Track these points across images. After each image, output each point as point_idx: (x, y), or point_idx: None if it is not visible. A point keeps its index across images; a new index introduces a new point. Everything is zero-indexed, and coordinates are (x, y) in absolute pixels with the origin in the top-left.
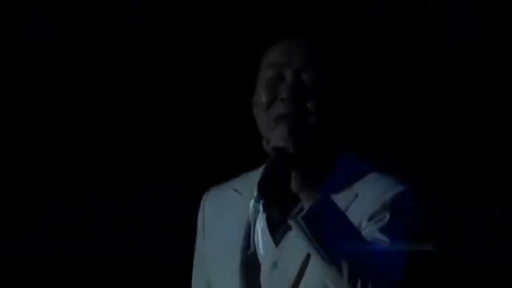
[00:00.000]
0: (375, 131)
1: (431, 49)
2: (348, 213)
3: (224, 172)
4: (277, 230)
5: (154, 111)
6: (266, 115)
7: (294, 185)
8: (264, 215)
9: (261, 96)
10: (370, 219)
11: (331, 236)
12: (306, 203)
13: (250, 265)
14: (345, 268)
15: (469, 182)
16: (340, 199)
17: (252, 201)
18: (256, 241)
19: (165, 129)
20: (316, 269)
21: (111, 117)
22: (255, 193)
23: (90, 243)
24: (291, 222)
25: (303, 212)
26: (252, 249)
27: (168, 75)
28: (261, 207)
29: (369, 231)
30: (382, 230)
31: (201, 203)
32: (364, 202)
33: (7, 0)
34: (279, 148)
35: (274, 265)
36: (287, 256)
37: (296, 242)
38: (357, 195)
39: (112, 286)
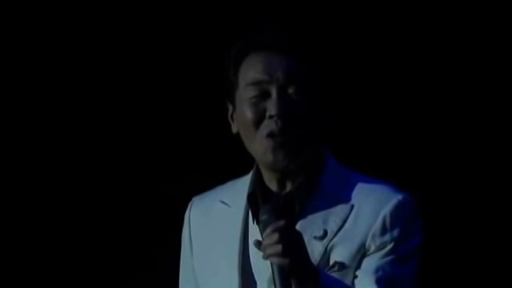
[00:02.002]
0: (374, 132)
1: (431, 49)
2: (348, 227)
3: (223, 173)
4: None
5: (154, 112)
6: (254, 134)
7: (293, 285)
8: (257, 228)
9: (246, 114)
10: (373, 237)
11: None
12: None
13: (248, 282)
14: None
15: (468, 184)
16: (335, 211)
17: (242, 213)
18: (250, 255)
19: (165, 129)
20: None
21: (111, 118)
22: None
23: (90, 243)
24: None
25: None
26: (248, 264)
27: (168, 75)
28: (250, 220)
29: (378, 265)
30: (391, 263)
31: (186, 214)
32: (362, 214)
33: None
34: (275, 263)
35: (271, 281)
36: None
37: None
38: (352, 207)
39: (112, 286)
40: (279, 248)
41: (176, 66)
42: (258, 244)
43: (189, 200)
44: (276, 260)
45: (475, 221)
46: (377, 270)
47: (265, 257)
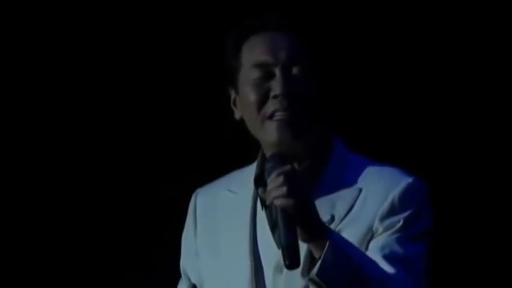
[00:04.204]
0: (373, 130)
1: (431, 49)
2: (355, 211)
3: (223, 173)
4: (276, 228)
5: (154, 112)
6: (258, 115)
7: (300, 237)
8: (263, 213)
9: (249, 95)
10: (381, 219)
11: (349, 282)
12: (315, 253)
13: (257, 268)
14: None
15: (467, 184)
16: (343, 195)
17: (250, 200)
18: (258, 242)
19: (165, 129)
20: None
21: (111, 118)
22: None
23: (90, 243)
24: (305, 280)
25: (316, 268)
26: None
27: (167, 75)
28: (259, 205)
29: (385, 242)
30: (399, 240)
31: (190, 205)
32: (370, 198)
33: None
34: (280, 207)
35: (278, 268)
36: None
37: (301, 243)
38: (360, 190)
39: (112, 286)
40: (283, 189)
41: (176, 66)
42: (263, 192)
43: (189, 200)
44: (280, 201)
45: (474, 221)
46: (384, 247)
47: (269, 202)
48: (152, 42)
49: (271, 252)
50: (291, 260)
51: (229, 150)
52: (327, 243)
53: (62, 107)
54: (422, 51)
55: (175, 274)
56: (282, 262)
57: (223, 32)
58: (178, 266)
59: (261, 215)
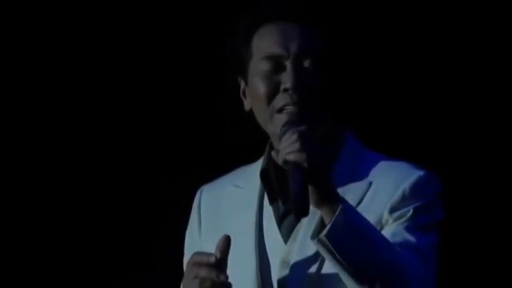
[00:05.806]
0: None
1: (438, 47)
2: (365, 203)
3: (223, 173)
4: (282, 222)
5: (154, 112)
6: (267, 108)
7: (311, 199)
8: (271, 209)
9: (258, 88)
10: (391, 211)
11: (359, 250)
12: (326, 218)
13: (263, 263)
14: (378, 286)
15: (467, 184)
16: (352, 188)
17: (256, 194)
18: (265, 236)
19: (165, 129)
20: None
21: (111, 118)
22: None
23: (90, 243)
24: (314, 243)
25: (326, 230)
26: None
27: (167, 75)
28: (266, 199)
29: (395, 230)
30: (409, 229)
31: (196, 201)
32: (381, 191)
33: None
34: (292, 162)
35: (284, 263)
36: (299, 254)
37: (307, 237)
38: (370, 183)
39: (112, 286)
40: (296, 145)
41: (176, 66)
42: (276, 155)
43: (189, 200)
44: (293, 156)
45: (474, 221)
46: (394, 235)
47: (282, 161)
48: (152, 43)
49: (277, 247)
50: (299, 208)
51: (229, 150)
52: (339, 208)
53: (62, 107)
54: (430, 49)
55: (175, 274)
56: (288, 257)
57: (223, 32)
58: (179, 265)
59: (268, 209)
